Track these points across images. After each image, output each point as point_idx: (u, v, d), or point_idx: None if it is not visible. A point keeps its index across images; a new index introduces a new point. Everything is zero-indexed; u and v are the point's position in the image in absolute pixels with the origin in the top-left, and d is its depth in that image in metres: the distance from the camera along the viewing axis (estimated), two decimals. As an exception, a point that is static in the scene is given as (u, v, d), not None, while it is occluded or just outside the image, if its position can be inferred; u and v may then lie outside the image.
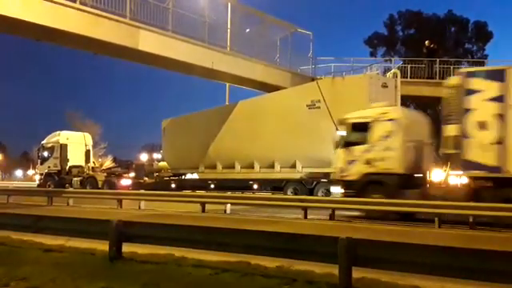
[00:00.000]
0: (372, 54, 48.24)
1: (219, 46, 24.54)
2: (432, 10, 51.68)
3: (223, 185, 24.89)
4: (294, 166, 22.79)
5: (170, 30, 22.06)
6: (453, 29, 50.07)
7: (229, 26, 25.71)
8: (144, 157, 46.14)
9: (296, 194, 21.66)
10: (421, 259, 6.44)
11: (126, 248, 8.81)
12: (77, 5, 18.57)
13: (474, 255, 6.21)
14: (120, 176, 30.83)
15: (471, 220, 13.92)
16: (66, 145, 30.13)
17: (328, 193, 20.85)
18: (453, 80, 16.51)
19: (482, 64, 32.98)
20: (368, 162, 17.07)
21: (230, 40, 25.33)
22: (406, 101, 33.08)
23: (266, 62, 26.70)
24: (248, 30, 27.34)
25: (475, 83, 15.44)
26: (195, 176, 28.01)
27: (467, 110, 15.40)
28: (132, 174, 31.21)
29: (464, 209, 14.06)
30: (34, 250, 9.52)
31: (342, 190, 17.85)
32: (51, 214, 13.85)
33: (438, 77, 29.14)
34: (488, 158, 15.03)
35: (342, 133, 18.26)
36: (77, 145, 30.62)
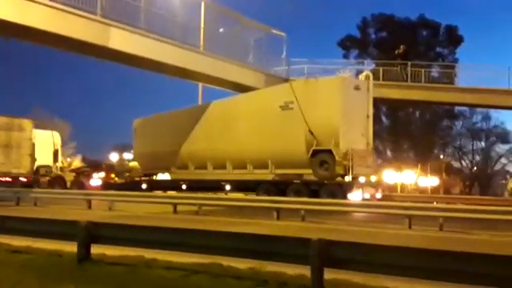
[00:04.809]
0: (345, 56, 48.77)
1: (192, 46, 24.33)
2: (404, 14, 52.23)
3: (195, 185, 24.68)
4: (266, 167, 22.73)
5: (141, 28, 21.76)
6: (424, 32, 50.82)
7: (202, 26, 25.46)
8: (114, 156, 45.25)
9: (268, 195, 21.56)
10: (393, 261, 6.46)
11: (95, 250, 8.63)
12: (46, 1, 18.15)
13: (446, 257, 6.23)
14: (89, 176, 30.23)
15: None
16: (33, 143, 29.38)
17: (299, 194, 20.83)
18: None
19: (452, 68, 33.39)
20: None
21: (203, 40, 25.09)
22: (378, 103, 33.48)
23: (239, 63, 26.53)
24: (222, 30, 27.15)
25: None
26: (167, 176, 27.77)
27: None
28: (102, 174, 30.67)
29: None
30: (1, 252, 9.27)
31: None
32: (18, 214, 13.53)
33: (409, 80, 29.47)
34: None
35: None
36: (44, 143, 29.86)
